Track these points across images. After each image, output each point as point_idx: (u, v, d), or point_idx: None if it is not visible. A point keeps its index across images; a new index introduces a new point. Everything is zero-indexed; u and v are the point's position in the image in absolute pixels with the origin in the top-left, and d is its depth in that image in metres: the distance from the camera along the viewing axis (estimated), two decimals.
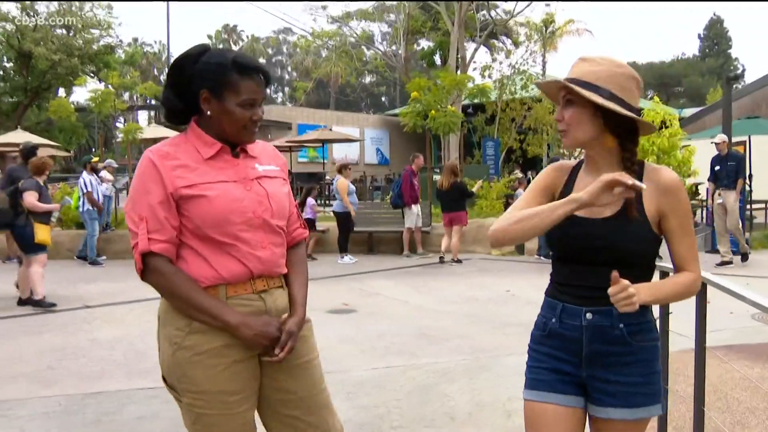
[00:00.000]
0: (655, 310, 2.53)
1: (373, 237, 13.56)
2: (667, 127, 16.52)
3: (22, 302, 7.95)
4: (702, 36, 66.74)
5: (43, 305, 7.81)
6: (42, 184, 8.04)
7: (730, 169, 11.11)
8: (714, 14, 70.23)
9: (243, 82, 2.08)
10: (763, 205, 16.06)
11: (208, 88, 2.07)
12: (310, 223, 12.34)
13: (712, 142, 12.03)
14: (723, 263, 10.85)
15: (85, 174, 11.93)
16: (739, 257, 11.41)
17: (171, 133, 20.77)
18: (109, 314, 7.58)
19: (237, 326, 2.02)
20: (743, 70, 62.63)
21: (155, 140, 20.40)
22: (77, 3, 28.08)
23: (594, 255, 2.00)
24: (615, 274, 1.82)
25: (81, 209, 11.78)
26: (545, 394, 2.05)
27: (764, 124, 15.60)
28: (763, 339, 6.07)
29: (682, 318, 3.43)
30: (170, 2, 38.57)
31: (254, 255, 2.11)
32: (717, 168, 11.34)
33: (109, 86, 19.88)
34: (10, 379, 5.17)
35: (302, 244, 2.37)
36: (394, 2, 27.56)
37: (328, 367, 5.53)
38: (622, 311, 1.84)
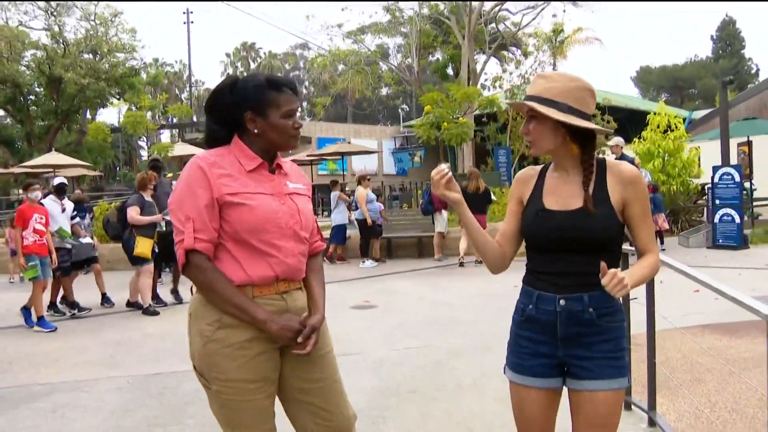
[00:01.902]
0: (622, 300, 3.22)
1: (391, 242, 14.34)
2: (672, 130, 17.18)
3: (129, 304, 8.70)
4: (715, 37, 66.82)
5: (148, 312, 8.39)
6: (146, 198, 8.59)
7: None
8: (726, 15, 70.20)
9: (281, 96, 2.32)
10: (766, 203, 16.66)
11: (252, 110, 2.31)
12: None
13: (608, 146, 12.34)
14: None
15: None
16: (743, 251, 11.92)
17: (198, 150, 21.76)
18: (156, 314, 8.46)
19: (264, 321, 2.24)
20: (757, 70, 62.74)
21: (182, 157, 21.33)
22: (102, 29, 29.24)
23: (567, 244, 2.20)
24: (603, 265, 2.02)
25: None
26: (529, 378, 2.28)
27: (761, 125, 16.23)
28: (737, 319, 6.76)
29: (663, 303, 4.16)
30: (190, 24, 39.89)
31: (285, 262, 2.33)
32: None
33: (133, 107, 20.90)
34: (81, 365, 6.05)
35: (320, 254, 2.61)
36: (409, 10, 28.21)
37: (353, 350, 6.45)
38: (617, 296, 2.01)
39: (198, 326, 2.31)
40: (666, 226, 13.29)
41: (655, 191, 13.54)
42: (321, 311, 2.42)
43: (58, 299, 8.82)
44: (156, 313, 8.38)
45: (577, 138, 2.22)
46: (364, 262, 12.97)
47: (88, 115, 34.29)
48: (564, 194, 2.26)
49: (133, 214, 8.34)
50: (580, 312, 2.19)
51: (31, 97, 29.67)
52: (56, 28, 28.54)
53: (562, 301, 2.21)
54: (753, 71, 62.99)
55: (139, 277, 8.48)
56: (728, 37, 65.47)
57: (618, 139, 12.05)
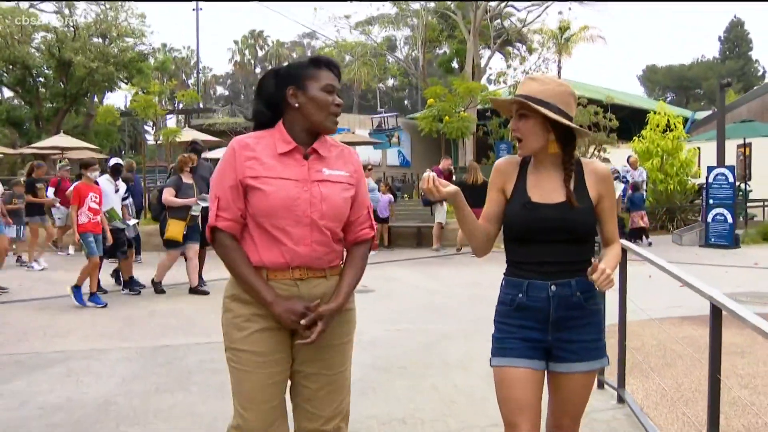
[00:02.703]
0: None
1: (391, 231, 14.66)
2: (671, 130, 17.48)
3: (191, 290, 8.72)
4: (722, 38, 66.80)
5: (156, 288, 8.68)
6: (185, 180, 8.61)
7: None
8: (735, 16, 70.17)
9: (321, 72, 2.39)
10: (761, 204, 16.97)
11: (293, 85, 2.38)
12: None
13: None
14: None
15: None
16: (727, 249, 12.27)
17: (203, 136, 22.08)
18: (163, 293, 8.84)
19: (270, 303, 2.31)
20: (764, 72, 62.77)
21: (187, 143, 21.68)
22: (112, 13, 29.49)
23: (552, 233, 2.35)
24: (595, 263, 2.24)
25: None
26: (516, 360, 2.36)
27: (758, 127, 16.54)
28: None
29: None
30: (199, 10, 40.06)
31: (295, 250, 2.34)
32: None
33: (141, 92, 21.13)
34: (93, 337, 6.42)
35: (365, 244, 2.56)
36: (415, 4, 28.46)
37: None
38: (604, 289, 2.25)
39: (223, 297, 2.47)
40: (645, 223, 13.74)
41: (636, 190, 13.84)
42: (339, 301, 2.39)
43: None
44: (163, 292, 8.68)
45: (560, 138, 2.36)
46: None
47: (95, 99, 34.57)
48: (547, 188, 2.39)
49: (167, 195, 8.43)
50: (570, 296, 2.35)
51: (40, 79, 29.88)
52: (66, 12, 28.78)
53: (553, 287, 2.34)
54: (759, 73, 63.06)
55: (165, 257, 8.63)
56: (736, 39, 65.41)
57: None
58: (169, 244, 8.62)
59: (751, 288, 8.36)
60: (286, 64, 2.52)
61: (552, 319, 2.35)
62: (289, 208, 2.31)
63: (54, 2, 28.99)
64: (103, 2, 28.59)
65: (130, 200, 9.66)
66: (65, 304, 7.97)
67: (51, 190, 12.23)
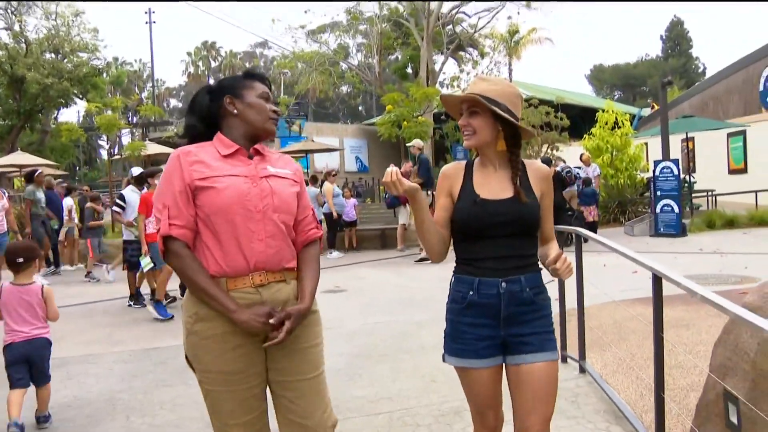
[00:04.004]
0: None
1: (356, 235, 15.08)
2: (619, 127, 18.29)
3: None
4: (664, 37, 69.00)
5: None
6: None
7: (420, 172, 12.13)
8: (675, 16, 72.59)
9: (254, 82, 2.49)
10: (705, 194, 17.88)
11: (230, 95, 2.45)
12: None
13: (408, 145, 13.01)
14: (422, 259, 11.78)
15: None
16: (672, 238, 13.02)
17: (165, 149, 22.19)
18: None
19: (234, 311, 2.24)
20: (704, 69, 64.94)
21: (150, 156, 21.73)
22: (64, 28, 29.30)
23: (503, 227, 2.41)
24: (558, 253, 2.41)
25: None
26: (473, 361, 2.43)
27: (698, 122, 17.46)
28: (666, 293, 7.71)
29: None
30: (152, 23, 39.94)
31: (251, 247, 2.31)
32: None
33: (98, 108, 21.10)
34: (84, 344, 6.70)
35: (316, 243, 2.58)
36: (369, 12, 29.02)
37: (328, 325, 7.23)
38: (565, 278, 2.41)
39: (183, 318, 2.38)
40: (594, 217, 14.35)
41: (587, 185, 14.48)
42: (306, 302, 2.39)
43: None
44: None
45: (508, 136, 2.44)
46: (330, 253, 13.71)
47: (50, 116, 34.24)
48: (494, 186, 2.46)
49: None
50: (520, 292, 2.40)
51: None
52: (17, 27, 28.52)
53: (504, 284, 2.39)
54: (700, 70, 65.26)
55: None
56: (677, 37, 67.58)
57: (417, 141, 13.08)
58: None
59: (698, 272, 9.03)
60: (218, 82, 2.60)
61: (503, 315, 2.41)
62: (242, 203, 2.31)
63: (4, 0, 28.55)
64: (55, 2, 28.27)
65: None
66: None
67: None
